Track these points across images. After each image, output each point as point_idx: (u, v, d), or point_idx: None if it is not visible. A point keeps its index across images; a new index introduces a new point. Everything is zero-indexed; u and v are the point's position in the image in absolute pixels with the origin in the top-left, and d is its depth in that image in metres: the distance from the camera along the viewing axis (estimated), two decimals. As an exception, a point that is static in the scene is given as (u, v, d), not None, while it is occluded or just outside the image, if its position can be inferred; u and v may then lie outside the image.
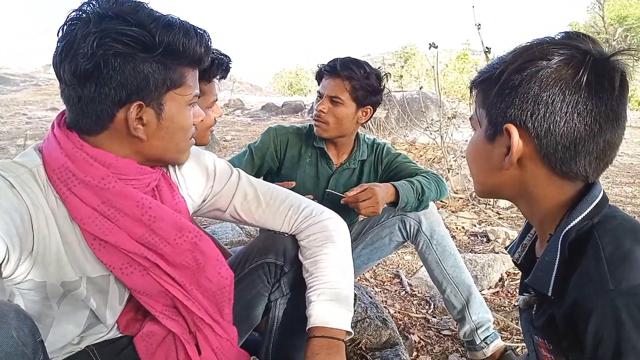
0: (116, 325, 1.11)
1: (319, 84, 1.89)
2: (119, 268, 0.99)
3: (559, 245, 0.78)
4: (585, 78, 0.73)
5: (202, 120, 1.13)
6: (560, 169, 0.78)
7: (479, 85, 0.86)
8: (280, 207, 1.23)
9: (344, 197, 1.68)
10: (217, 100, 1.48)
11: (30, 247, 0.89)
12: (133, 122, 0.93)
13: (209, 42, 0.99)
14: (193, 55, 0.95)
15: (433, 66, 4.10)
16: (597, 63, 0.75)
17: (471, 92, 0.91)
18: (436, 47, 3.68)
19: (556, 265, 0.78)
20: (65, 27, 0.90)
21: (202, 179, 1.20)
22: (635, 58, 0.80)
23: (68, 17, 0.90)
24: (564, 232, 0.78)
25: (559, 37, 0.80)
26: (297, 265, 1.21)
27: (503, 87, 0.79)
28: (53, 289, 0.95)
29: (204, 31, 0.97)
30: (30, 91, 14.37)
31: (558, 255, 0.78)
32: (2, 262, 0.85)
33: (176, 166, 1.14)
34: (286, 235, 1.23)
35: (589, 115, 0.74)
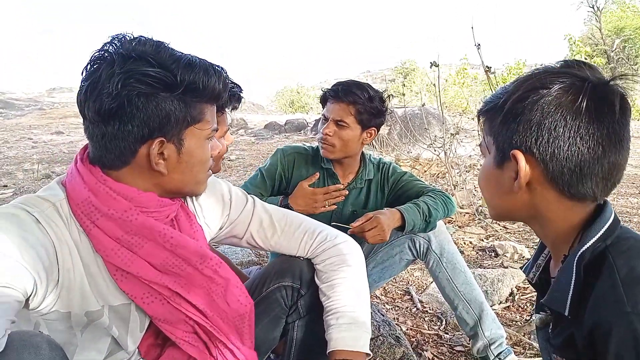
0: (137, 351, 1.14)
1: (323, 107, 1.94)
2: (140, 297, 1.02)
3: (574, 267, 0.81)
4: (585, 104, 0.77)
5: (218, 152, 1.18)
6: (569, 191, 0.82)
7: (485, 114, 0.91)
8: (296, 232, 1.26)
9: (350, 229, 1.71)
10: (229, 129, 1.53)
11: (56, 280, 0.93)
12: (155, 157, 0.97)
13: (227, 79, 1.04)
14: (212, 92, 1.00)
15: (434, 84, 4.15)
16: (595, 89, 0.78)
17: (479, 120, 0.96)
18: (437, 66, 3.74)
19: (572, 287, 0.81)
20: (88, 67, 0.94)
21: (218, 207, 1.24)
22: (633, 81, 0.84)
23: (92, 57, 0.94)
24: (578, 254, 0.81)
25: (558, 65, 0.84)
26: (314, 287, 1.24)
27: (507, 116, 0.83)
28: (77, 319, 0.98)
29: (222, 68, 1.02)
30: (35, 115, 14.52)
31: (574, 277, 0.81)
32: (30, 295, 0.88)
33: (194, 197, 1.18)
34: (302, 258, 1.26)
35: (591, 139, 0.78)
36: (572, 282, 0.81)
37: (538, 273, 1.01)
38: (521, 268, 1.09)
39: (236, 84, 1.46)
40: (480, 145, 0.97)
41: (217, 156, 1.43)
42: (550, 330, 0.93)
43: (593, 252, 0.80)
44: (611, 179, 0.82)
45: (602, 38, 22.21)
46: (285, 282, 1.24)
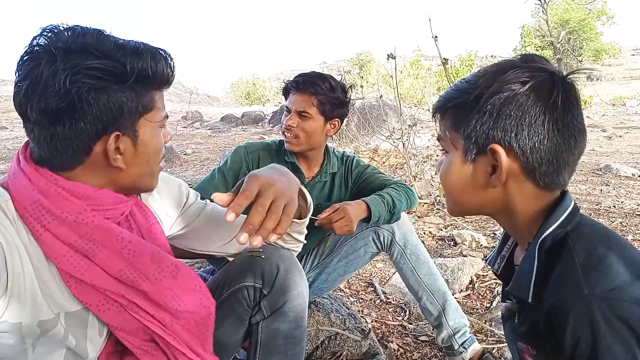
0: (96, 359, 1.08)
1: (285, 99, 1.92)
2: (95, 305, 0.96)
3: (536, 253, 0.83)
4: (560, 97, 0.80)
5: (170, 139, 1.13)
6: (544, 182, 0.84)
7: (451, 109, 0.90)
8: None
9: (318, 220, 1.69)
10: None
11: (5, 286, 0.86)
12: (112, 153, 0.92)
13: (173, 62, 0.98)
14: (162, 78, 0.95)
15: (391, 75, 4.18)
16: (563, 82, 0.82)
17: (435, 115, 0.96)
18: (394, 58, 3.76)
19: (534, 272, 0.83)
20: (23, 64, 0.87)
21: (176, 194, 1.22)
22: (584, 74, 0.88)
23: (25, 53, 0.87)
24: (539, 240, 0.83)
25: (521, 59, 0.86)
26: (277, 286, 1.21)
27: (482, 111, 0.83)
28: (29, 330, 0.91)
29: (166, 51, 0.97)
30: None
31: (536, 263, 0.83)
32: None
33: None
34: (262, 257, 1.23)
35: (566, 130, 0.81)
36: (535, 268, 0.83)
37: (502, 264, 1.03)
38: (485, 260, 1.11)
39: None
40: (440, 140, 0.96)
41: None
42: (515, 320, 0.95)
43: (554, 238, 0.83)
44: (575, 166, 0.86)
45: (549, 30, 23.07)
46: (247, 282, 1.20)
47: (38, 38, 0.87)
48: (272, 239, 0.95)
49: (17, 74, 0.88)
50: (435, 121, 0.98)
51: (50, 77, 0.83)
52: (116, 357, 1.09)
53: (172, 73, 0.98)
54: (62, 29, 0.88)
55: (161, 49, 0.95)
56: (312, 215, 1.73)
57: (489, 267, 1.08)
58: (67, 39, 0.86)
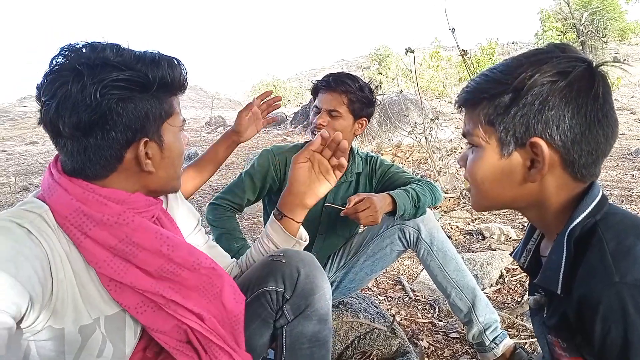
0: None
1: (314, 99, 1.94)
2: (133, 307, 1.01)
3: (565, 243, 0.82)
4: (601, 88, 0.79)
5: (187, 142, 1.18)
6: (581, 173, 0.83)
7: (485, 101, 0.86)
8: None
9: (343, 210, 1.71)
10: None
11: (50, 292, 0.90)
12: (143, 158, 0.97)
13: (185, 68, 1.05)
14: (179, 84, 1.02)
15: (410, 70, 4.15)
16: (600, 72, 0.81)
17: (462, 107, 0.93)
18: (412, 52, 3.73)
19: (563, 263, 0.81)
20: (49, 84, 0.91)
21: (190, 215, 1.30)
22: (618, 66, 0.86)
23: (48, 73, 0.92)
24: (568, 230, 0.82)
25: (556, 47, 0.84)
26: (298, 290, 1.22)
27: (523, 103, 0.81)
28: (71, 338, 0.95)
29: (178, 59, 1.03)
30: (7, 126, 14.21)
31: (565, 253, 0.81)
32: (25, 313, 0.85)
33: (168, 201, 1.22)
34: (282, 261, 1.24)
35: (605, 121, 0.81)
36: (564, 258, 0.81)
37: (529, 257, 1.01)
38: (511, 254, 1.09)
39: None
40: (468, 134, 0.92)
41: None
42: (545, 313, 0.93)
43: (583, 227, 0.81)
44: (608, 155, 0.86)
45: (570, 12, 22.51)
46: (269, 287, 1.22)
47: (57, 58, 0.92)
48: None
49: (43, 94, 0.92)
50: (461, 113, 0.95)
51: (79, 92, 0.88)
52: None
53: (186, 78, 1.04)
54: (80, 46, 0.93)
55: (174, 57, 1.01)
56: (337, 206, 1.75)
57: (515, 261, 1.06)
58: (90, 55, 0.91)
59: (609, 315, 0.71)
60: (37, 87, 0.94)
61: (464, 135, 0.95)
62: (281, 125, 11.71)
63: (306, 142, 1.96)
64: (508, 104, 0.82)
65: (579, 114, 0.79)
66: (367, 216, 1.67)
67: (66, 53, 0.92)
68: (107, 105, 0.90)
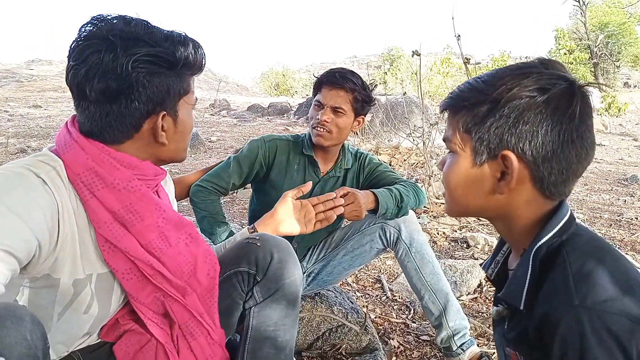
0: (98, 332, 1.14)
1: (315, 94, 1.93)
2: (121, 272, 1.05)
3: (530, 261, 0.83)
4: (578, 108, 0.79)
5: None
6: (550, 191, 0.83)
7: (465, 109, 0.87)
8: None
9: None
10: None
11: (55, 243, 0.95)
12: (159, 130, 1.04)
13: (204, 50, 1.11)
14: (199, 65, 1.09)
15: (415, 73, 4.16)
16: (581, 92, 0.80)
17: (444, 112, 0.94)
18: (419, 55, 3.74)
19: (527, 280, 0.83)
20: (79, 48, 0.96)
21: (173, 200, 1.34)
22: (601, 88, 0.87)
23: (79, 38, 0.97)
24: (535, 248, 0.83)
25: (541, 64, 0.84)
26: (270, 273, 1.25)
27: (499, 115, 0.81)
28: (64, 289, 1.00)
29: (199, 43, 1.09)
30: (12, 87, 14.18)
31: (530, 270, 0.83)
32: (32, 259, 0.90)
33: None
34: (257, 245, 1.27)
35: (579, 142, 0.80)
36: (528, 275, 0.82)
37: (497, 269, 1.03)
38: (481, 265, 1.10)
39: None
40: (447, 140, 0.93)
41: None
42: (505, 325, 0.95)
43: (549, 247, 0.82)
44: (580, 176, 0.86)
45: (586, 32, 22.46)
46: (241, 268, 1.26)
47: (87, 26, 0.98)
48: None
49: (72, 58, 0.98)
50: (443, 118, 0.97)
51: (110, 61, 0.95)
52: (116, 331, 1.15)
53: (205, 60, 1.10)
54: (111, 17, 0.99)
55: (197, 41, 1.08)
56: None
57: (484, 271, 1.08)
58: (123, 28, 0.97)
59: (567, 337, 0.72)
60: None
61: (444, 140, 0.96)
62: (284, 115, 11.71)
63: (297, 135, 1.98)
64: (485, 114, 0.83)
65: (553, 131, 0.79)
66: (351, 211, 1.68)
67: (96, 22, 0.98)
68: (135, 77, 0.96)
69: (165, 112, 1.03)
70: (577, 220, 0.89)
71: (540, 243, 0.83)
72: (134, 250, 1.04)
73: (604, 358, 0.69)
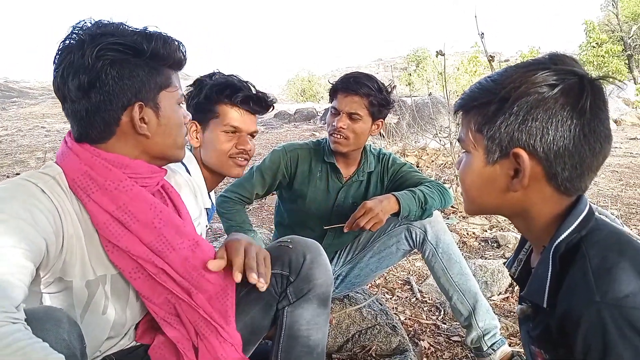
0: (133, 332, 1.19)
1: (331, 101, 1.94)
2: (128, 272, 1.08)
3: (550, 259, 0.83)
4: (588, 103, 0.78)
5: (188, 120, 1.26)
6: (565, 187, 0.83)
7: (475, 109, 0.88)
8: None
9: (344, 226, 1.74)
10: (257, 132, 1.64)
11: (61, 244, 0.99)
12: (138, 121, 1.05)
13: (184, 48, 1.13)
14: (174, 58, 1.10)
15: (441, 73, 4.13)
16: (592, 86, 0.80)
17: (457, 113, 0.95)
18: (443, 55, 3.72)
19: (549, 278, 0.83)
20: (58, 56, 1.02)
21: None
22: (614, 83, 0.86)
23: (59, 48, 1.02)
24: (554, 245, 0.83)
25: (550, 60, 0.83)
26: (302, 274, 1.28)
27: (508, 113, 0.82)
28: (78, 291, 1.03)
29: (178, 40, 1.12)
30: (49, 104, 14.66)
31: (550, 268, 0.83)
32: (43, 260, 0.94)
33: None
34: (289, 247, 1.30)
35: (592, 136, 0.80)
36: (549, 273, 0.82)
37: (520, 268, 1.03)
38: (504, 264, 1.10)
39: (262, 94, 1.60)
40: (461, 140, 0.94)
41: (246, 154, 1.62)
42: (530, 323, 0.95)
43: (568, 243, 0.82)
44: (598, 171, 0.85)
45: (618, 24, 21.81)
46: (275, 270, 1.28)
47: (71, 34, 1.03)
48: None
49: (53, 65, 1.03)
50: (457, 119, 0.98)
51: (80, 57, 0.99)
52: (152, 333, 1.19)
53: (184, 57, 1.13)
54: (89, 24, 1.03)
55: (175, 38, 1.11)
56: (346, 216, 1.77)
57: (507, 270, 1.08)
58: (93, 29, 1.02)
59: (589, 334, 0.72)
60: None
61: (458, 140, 0.97)
62: (311, 121, 11.76)
63: (318, 141, 2.01)
64: (495, 113, 0.83)
65: (563, 127, 0.79)
66: (368, 221, 1.68)
67: (75, 30, 1.02)
68: (102, 66, 0.99)
69: (142, 103, 1.04)
70: (605, 217, 0.88)
71: (559, 240, 0.82)
72: (134, 249, 1.06)
73: (628, 354, 0.69)
